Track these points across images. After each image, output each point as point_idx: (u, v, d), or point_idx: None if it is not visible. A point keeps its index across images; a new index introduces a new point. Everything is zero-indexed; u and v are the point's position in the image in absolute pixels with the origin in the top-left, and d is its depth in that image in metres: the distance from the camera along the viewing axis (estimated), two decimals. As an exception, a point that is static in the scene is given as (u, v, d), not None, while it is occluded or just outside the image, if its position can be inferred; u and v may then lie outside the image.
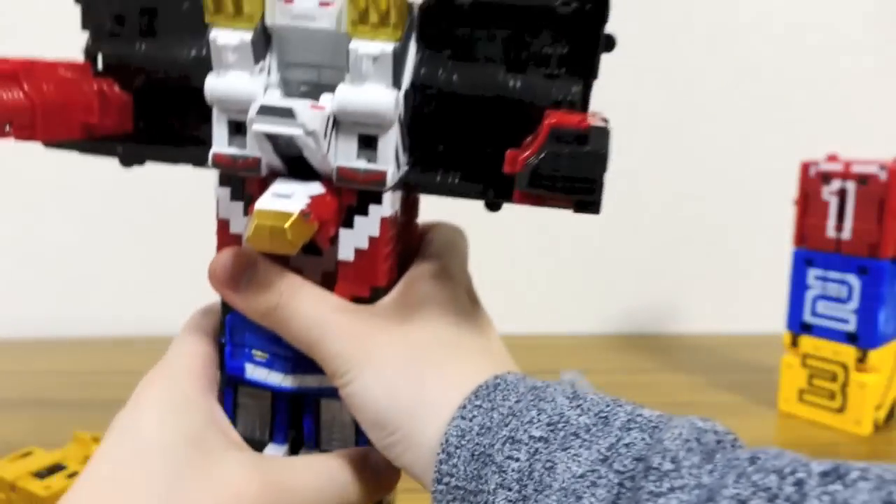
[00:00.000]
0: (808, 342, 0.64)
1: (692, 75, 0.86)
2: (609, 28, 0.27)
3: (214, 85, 0.27)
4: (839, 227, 0.61)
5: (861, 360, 0.61)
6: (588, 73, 0.27)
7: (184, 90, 0.29)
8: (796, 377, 0.65)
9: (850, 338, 0.61)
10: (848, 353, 0.61)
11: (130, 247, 0.87)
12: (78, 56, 0.31)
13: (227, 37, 0.26)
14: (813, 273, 0.63)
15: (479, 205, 0.29)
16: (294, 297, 0.28)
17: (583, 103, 0.27)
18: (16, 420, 0.64)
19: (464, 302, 0.31)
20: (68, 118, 0.28)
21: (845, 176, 0.60)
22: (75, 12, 0.31)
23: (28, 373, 0.76)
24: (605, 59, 0.27)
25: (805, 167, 0.63)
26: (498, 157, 0.26)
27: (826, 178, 0.61)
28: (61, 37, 0.32)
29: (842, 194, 0.60)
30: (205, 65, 0.27)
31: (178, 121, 0.30)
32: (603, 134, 0.24)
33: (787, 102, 0.87)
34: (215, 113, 0.27)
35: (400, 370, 0.27)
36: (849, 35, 0.87)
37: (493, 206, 0.28)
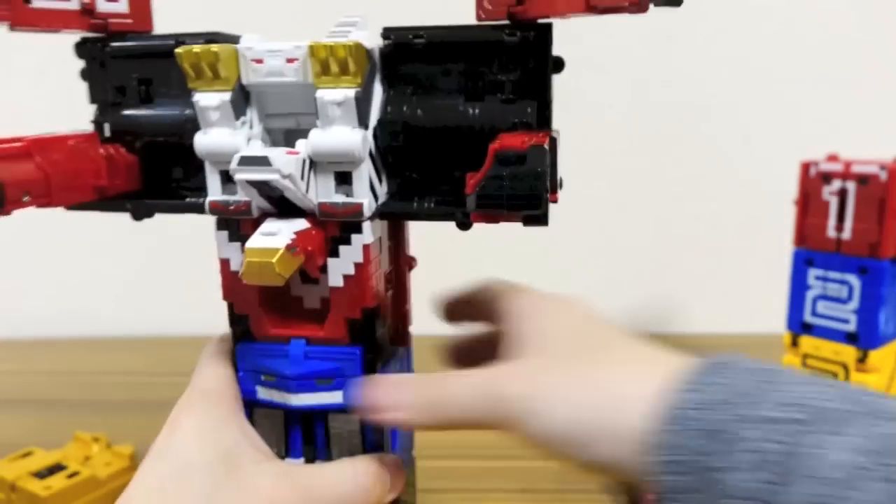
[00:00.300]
0: (808, 342, 0.64)
1: (692, 75, 0.86)
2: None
3: (201, 141, 0.30)
4: (839, 227, 0.61)
5: (861, 360, 0.61)
6: (541, 94, 0.29)
7: (181, 146, 0.32)
8: (796, 377, 0.65)
9: (851, 338, 0.61)
10: (848, 353, 0.61)
11: (130, 247, 0.87)
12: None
13: (208, 99, 0.29)
14: (813, 273, 0.63)
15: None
16: (445, 384, 0.29)
17: (540, 122, 0.29)
18: (16, 420, 0.64)
19: (585, 311, 0.32)
20: (80, 183, 0.32)
21: (845, 176, 0.60)
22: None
23: (28, 373, 0.76)
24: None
25: (805, 167, 0.63)
26: (465, 181, 0.28)
27: (826, 178, 0.61)
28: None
29: (842, 194, 0.60)
30: (195, 123, 0.30)
31: (180, 173, 0.34)
32: (540, 152, 0.26)
33: (787, 102, 0.87)
34: (207, 166, 0.30)
35: (574, 384, 0.28)
36: (849, 35, 0.87)
37: (464, 225, 0.30)
